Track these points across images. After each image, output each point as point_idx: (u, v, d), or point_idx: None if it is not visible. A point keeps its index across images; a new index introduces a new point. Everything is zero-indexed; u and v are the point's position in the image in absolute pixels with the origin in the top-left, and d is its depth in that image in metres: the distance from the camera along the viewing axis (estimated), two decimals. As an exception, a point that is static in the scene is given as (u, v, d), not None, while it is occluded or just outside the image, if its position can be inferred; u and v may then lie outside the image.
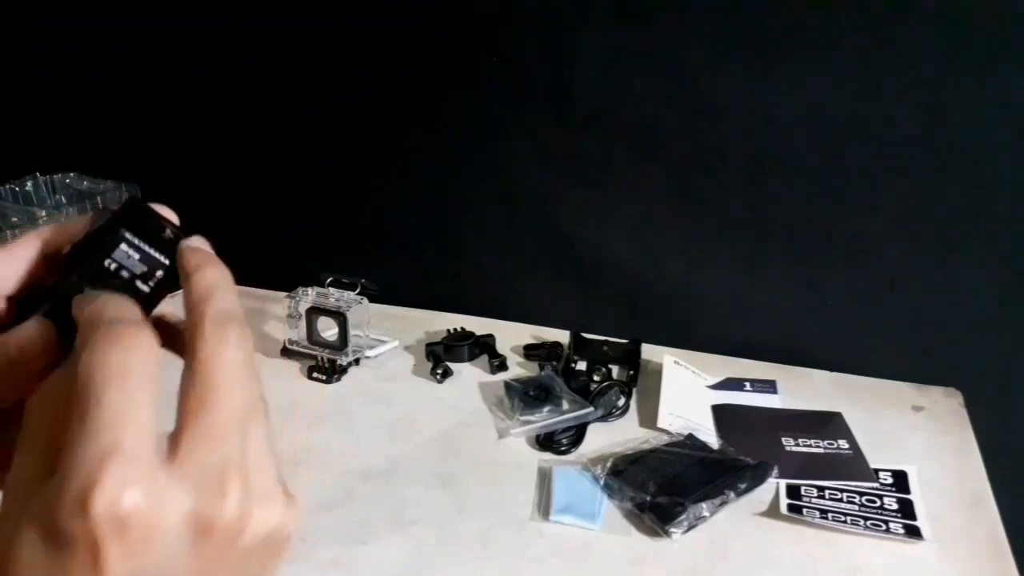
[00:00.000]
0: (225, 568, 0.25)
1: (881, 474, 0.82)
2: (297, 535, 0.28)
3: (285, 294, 1.00)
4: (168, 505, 0.23)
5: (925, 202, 0.91)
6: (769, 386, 0.98)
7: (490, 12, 0.97)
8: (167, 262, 0.32)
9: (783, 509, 0.77)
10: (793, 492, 0.80)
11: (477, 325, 1.07)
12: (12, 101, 1.23)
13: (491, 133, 1.05)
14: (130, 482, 0.22)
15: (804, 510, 0.77)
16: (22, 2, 1.16)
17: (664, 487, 0.78)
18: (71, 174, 1.17)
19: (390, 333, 1.05)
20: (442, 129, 1.07)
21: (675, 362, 0.99)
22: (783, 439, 0.87)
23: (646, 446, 0.85)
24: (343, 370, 0.99)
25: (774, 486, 0.81)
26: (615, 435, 0.89)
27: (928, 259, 0.93)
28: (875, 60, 0.86)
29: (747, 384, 0.98)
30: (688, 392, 0.96)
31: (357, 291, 0.99)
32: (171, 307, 0.33)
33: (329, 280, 1.00)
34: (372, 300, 1.00)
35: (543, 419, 0.89)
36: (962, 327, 0.95)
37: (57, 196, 1.17)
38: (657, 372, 0.97)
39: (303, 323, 0.99)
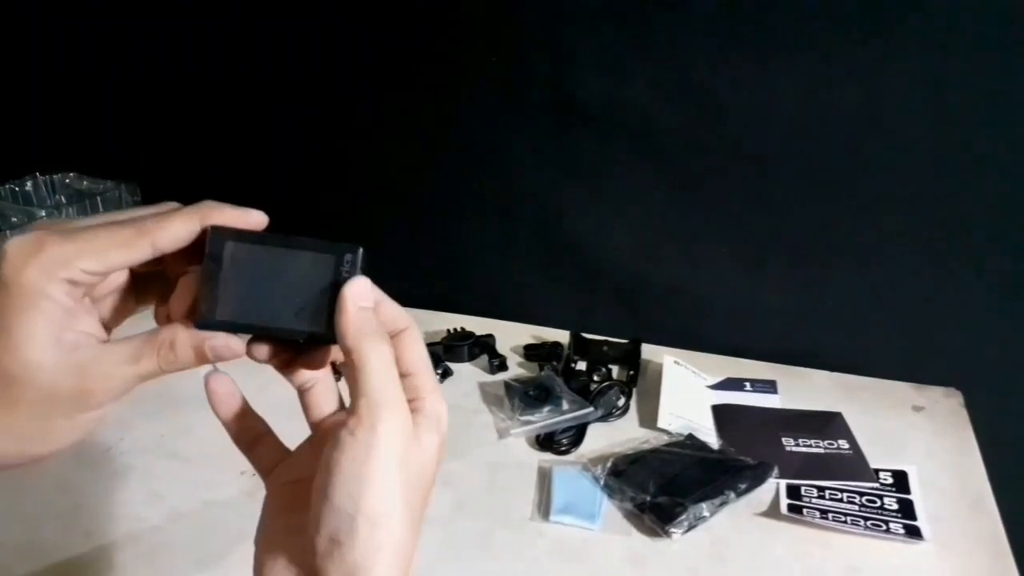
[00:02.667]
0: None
1: (881, 474, 0.82)
2: None
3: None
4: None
5: (925, 201, 0.91)
6: (769, 386, 0.98)
7: (490, 12, 0.97)
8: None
9: (783, 509, 0.77)
10: (793, 492, 0.80)
11: (477, 325, 1.07)
12: (12, 101, 1.23)
13: (491, 133, 1.04)
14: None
15: (804, 510, 0.77)
16: (22, 2, 1.16)
17: (664, 487, 0.78)
18: (71, 174, 1.18)
19: (390, 333, 1.05)
20: (442, 129, 1.07)
21: (675, 362, 0.99)
22: (783, 439, 0.87)
23: (646, 446, 0.85)
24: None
25: (774, 486, 0.81)
26: (615, 435, 0.89)
27: (928, 258, 0.93)
28: (875, 60, 0.86)
29: (747, 384, 0.98)
30: (688, 392, 0.96)
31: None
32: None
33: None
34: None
35: (543, 419, 0.89)
36: (962, 327, 0.95)
37: (57, 196, 1.17)
38: (657, 372, 0.97)
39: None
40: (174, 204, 0.38)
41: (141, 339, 0.37)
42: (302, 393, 0.42)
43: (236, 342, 0.37)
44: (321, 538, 0.34)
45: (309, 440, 0.43)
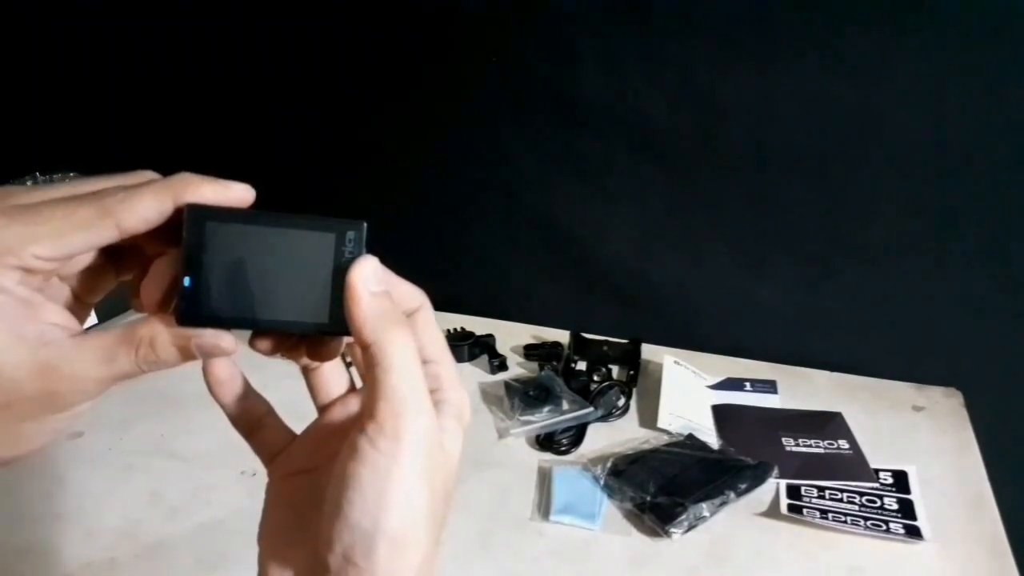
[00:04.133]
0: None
1: (881, 474, 0.82)
2: None
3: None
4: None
5: (926, 201, 0.91)
6: (769, 386, 0.98)
7: (490, 12, 0.97)
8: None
9: (783, 509, 0.77)
10: (793, 492, 0.80)
11: (477, 325, 1.07)
12: (12, 101, 1.23)
13: (491, 133, 1.04)
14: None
15: (804, 510, 0.77)
16: (22, 2, 1.16)
17: (664, 487, 0.78)
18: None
19: (390, 333, 1.05)
20: (442, 129, 1.07)
21: (675, 362, 0.99)
22: (783, 439, 0.87)
23: (646, 446, 0.85)
24: (343, 370, 0.99)
25: (774, 486, 0.81)
26: (615, 435, 0.89)
27: (929, 258, 0.93)
28: (875, 61, 0.86)
29: (747, 384, 0.98)
30: (688, 392, 0.96)
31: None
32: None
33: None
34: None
35: (543, 419, 0.89)
36: (962, 327, 0.95)
37: (57, 196, 1.17)
38: (657, 372, 0.97)
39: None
40: (149, 174, 0.33)
41: (117, 335, 0.32)
42: (307, 373, 0.39)
43: (227, 340, 0.33)
44: (334, 556, 0.31)
45: (316, 424, 0.39)
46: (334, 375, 0.39)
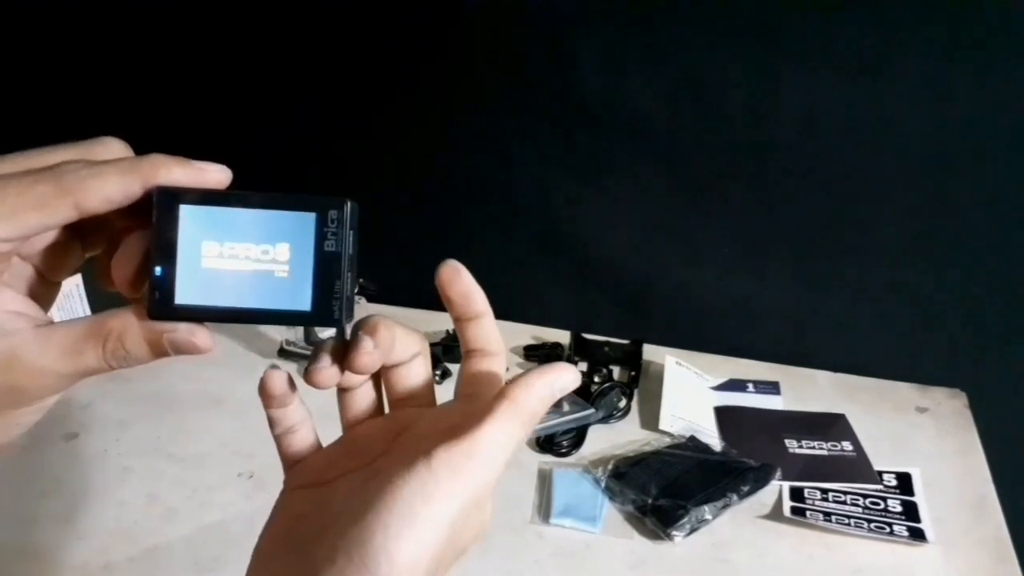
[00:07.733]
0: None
1: (885, 476, 0.81)
2: None
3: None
4: None
5: (928, 201, 0.90)
6: (772, 387, 0.97)
7: (491, 12, 0.97)
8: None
9: (786, 512, 0.77)
10: (796, 494, 0.79)
11: (477, 325, 1.07)
12: (12, 101, 1.22)
13: (491, 133, 1.04)
14: None
15: (807, 513, 0.76)
16: (22, 1, 1.16)
17: (666, 489, 0.77)
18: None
19: (389, 334, 1.05)
20: (442, 129, 1.06)
21: (677, 363, 0.98)
22: (786, 441, 0.87)
23: (647, 448, 0.85)
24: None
25: (777, 488, 0.80)
26: (616, 437, 0.88)
27: (932, 259, 0.93)
28: (877, 60, 0.86)
29: (750, 385, 0.98)
30: (690, 393, 0.95)
31: (356, 291, 0.99)
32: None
33: (328, 280, 1.00)
34: (371, 300, 0.99)
35: (543, 420, 0.89)
36: (966, 328, 0.95)
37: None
38: (659, 373, 0.97)
39: (301, 323, 0.98)
40: (114, 146, 0.32)
41: (84, 328, 0.30)
42: (340, 391, 0.38)
43: (202, 335, 0.30)
44: (334, 568, 0.29)
45: (338, 441, 0.38)
46: (362, 394, 0.38)
